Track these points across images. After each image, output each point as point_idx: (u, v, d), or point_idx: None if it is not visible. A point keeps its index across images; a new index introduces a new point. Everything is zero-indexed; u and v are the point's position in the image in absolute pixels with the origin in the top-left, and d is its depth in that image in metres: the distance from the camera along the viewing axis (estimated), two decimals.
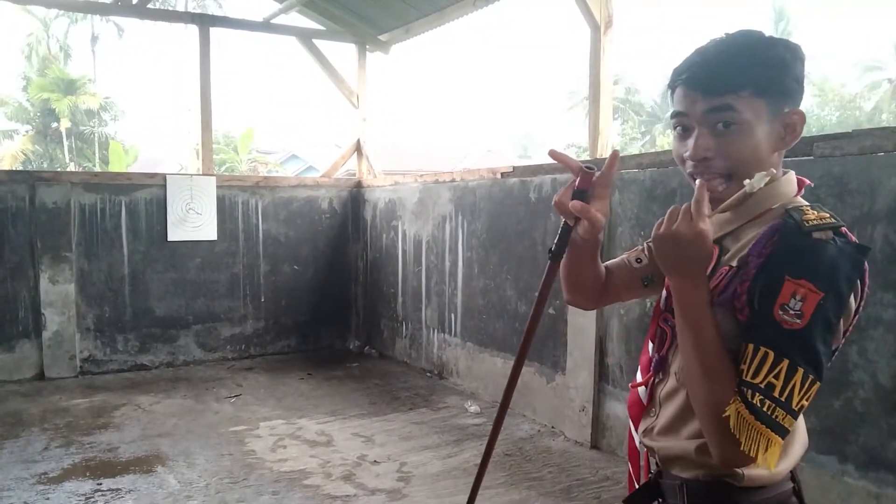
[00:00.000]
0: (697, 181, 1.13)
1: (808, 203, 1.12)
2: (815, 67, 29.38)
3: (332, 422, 4.47)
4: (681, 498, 1.18)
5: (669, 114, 1.21)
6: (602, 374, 3.96)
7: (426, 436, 4.19)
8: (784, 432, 1.01)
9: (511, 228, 4.70)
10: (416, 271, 5.82)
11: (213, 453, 3.88)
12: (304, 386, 5.35)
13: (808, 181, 1.19)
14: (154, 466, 3.68)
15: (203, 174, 6.19)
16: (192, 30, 6.35)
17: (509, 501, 3.29)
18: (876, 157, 2.59)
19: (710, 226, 1.06)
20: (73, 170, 25.25)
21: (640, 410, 1.29)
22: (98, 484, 3.44)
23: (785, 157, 1.17)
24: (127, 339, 5.76)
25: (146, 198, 5.75)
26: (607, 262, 1.41)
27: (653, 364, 1.26)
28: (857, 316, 1.10)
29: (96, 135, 30.05)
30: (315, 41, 6.81)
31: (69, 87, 28.23)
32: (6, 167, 25.01)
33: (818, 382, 1.01)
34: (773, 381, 1.00)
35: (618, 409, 3.83)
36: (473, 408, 4.68)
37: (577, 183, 1.18)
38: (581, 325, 4.03)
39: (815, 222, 1.04)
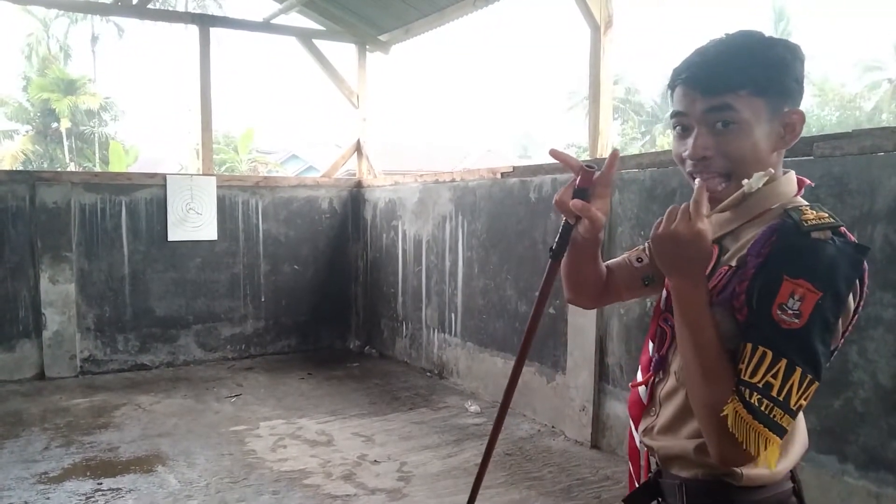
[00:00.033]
0: (697, 181, 1.14)
1: (807, 203, 1.12)
2: (815, 67, 29.42)
3: (333, 421, 4.47)
4: (680, 497, 1.18)
5: (669, 113, 1.21)
6: (602, 373, 3.96)
7: (426, 435, 4.19)
8: (782, 432, 1.01)
9: (511, 228, 4.70)
10: (416, 271, 5.82)
11: (213, 453, 3.88)
12: (305, 386, 5.36)
13: (808, 181, 1.19)
14: (154, 466, 3.69)
15: (203, 174, 6.19)
16: (192, 30, 6.36)
17: (509, 501, 3.29)
18: (876, 157, 2.59)
19: (708, 226, 1.06)
20: (73, 170, 25.25)
21: (640, 410, 1.29)
22: (98, 483, 3.45)
23: (785, 157, 1.18)
24: (127, 339, 5.76)
25: (146, 198, 5.75)
26: (608, 262, 1.41)
27: (653, 363, 1.26)
28: (856, 316, 1.10)
29: (96, 135, 30.06)
30: (315, 41, 6.82)
31: (69, 87, 28.24)
32: (6, 167, 25.02)
33: (816, 382, 1.01)
34: (771, 380, 1.00)
35: (618, 408, 3.84)
36: (473, 408, 4.68)
37: (577, 182, 1.19)
38: (581, 324, 4.04)
39: (813, 222, 1.04)
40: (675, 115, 1.17)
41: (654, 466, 1.27)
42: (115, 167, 23.17)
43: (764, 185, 1.08)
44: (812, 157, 2.77)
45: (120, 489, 3.38)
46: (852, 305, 1.07)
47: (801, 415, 1.17)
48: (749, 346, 1.02)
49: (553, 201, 1.22)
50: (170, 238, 5.81)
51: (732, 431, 1.00)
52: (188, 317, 5.98)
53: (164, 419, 4.48)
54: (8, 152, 27.95)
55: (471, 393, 5.06)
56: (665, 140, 30.73)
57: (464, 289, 5.23)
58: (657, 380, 1.26)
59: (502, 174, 4.82)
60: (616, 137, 31.93)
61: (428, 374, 5.63)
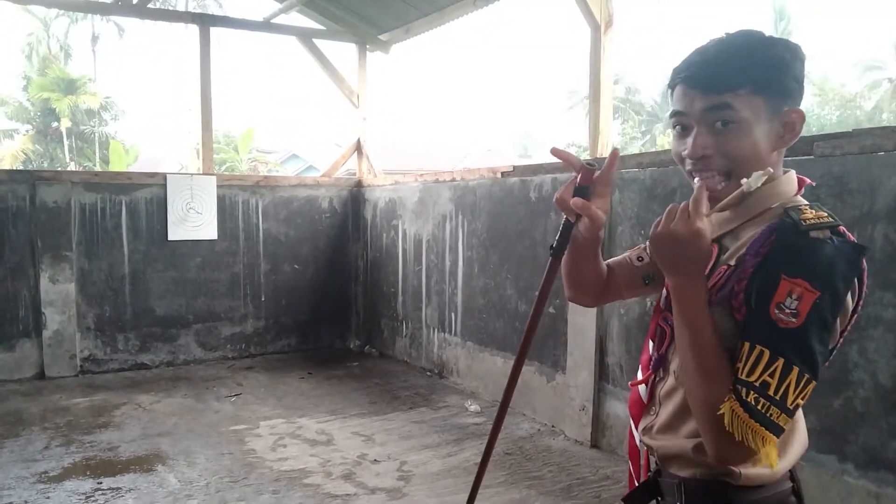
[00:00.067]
0: (696, 180, 1.14)
1: (807, 202, 1.12)
2: (815, 67, 29.38)
3: (333, 421, 4.48)
4: (679, 497, 1.18)
5: (669, 113, 1.21)
6: (602, 373, 3.96)
7: (426, 435, 4.20)
8: (779, 431, 1.01)
9: (511, 228, 4.70)
10: (416, 271, 5.82)
11: (213, 452, 3.88)
12: (305, 385, 5.36)
13: (808, 180, 1.19)
14: (154, 465, 3.69)
15: (203, 174, 6.19)
16: (193, 29, 6.36)
17: (509, 500, 3.30)
18: (876, 156, 2.59)
19: (707, 225, 1.06)
20: (73, 169, 25.30)
21: (640, 409, 1.29)
22: (98, 483, 3.45)
23: (785, 156, 1.18)
24: (127, 339, 5.76)
25: (146, 197, 5.75)
26: (609, 260, 1.41)
27: (652, 362, 1.26)
28: (855, 315, 1.10)
29: (97, 134, 30.05)
30: (315, 41, 6.82)
31: (69, 86, 28.23)
32: (7, 167, 25.02)
33: (814, 381, 1.01)
34: (768, 379, 1.00)
35: (618, 408, 3.84)
36: (473, 407, 4.68)
37: (578, 180, 1.19)
38: (581, 324, 4.04)
39: (812, 221, 1.04)
40: (674, 114, 1.17)
41: (653, 466, 1.27)
42: (115, 167, 23.17)
43: (764, 184, 1.09)
44: (812, 157, 2.77)
45: (120, 488, 3.38)
46: (851, 305, 1.07)
47: (800, 414, 1.17)
48: (747, 345, 1.02)
49: (554, 199, 1.22)
50: (170, 237, 5.81)
51: (729, 430, 1.00)
52: (188, 316, 5.99)
53: (164, 418, 4.48)
54: (8, 152, 27.95)
55: (471, 392, 5.06)
56: (665, 139, 30.71)
57: (464, 288, 5.23)
58: (657, 379, 1.26)
59: (502, 174, 4.82)
60: (616, 137, 31.92)
61: (428, 373, 5.63)
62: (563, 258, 1.31)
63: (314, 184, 6.61)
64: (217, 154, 22.41)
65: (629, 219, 3.76)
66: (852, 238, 1.06)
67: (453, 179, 5.36)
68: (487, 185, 4.95)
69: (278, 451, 3.91)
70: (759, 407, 0.99)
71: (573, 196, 1.18)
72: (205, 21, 6.35)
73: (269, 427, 4.33)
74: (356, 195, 6.70)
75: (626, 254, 1.42)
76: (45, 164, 28.57)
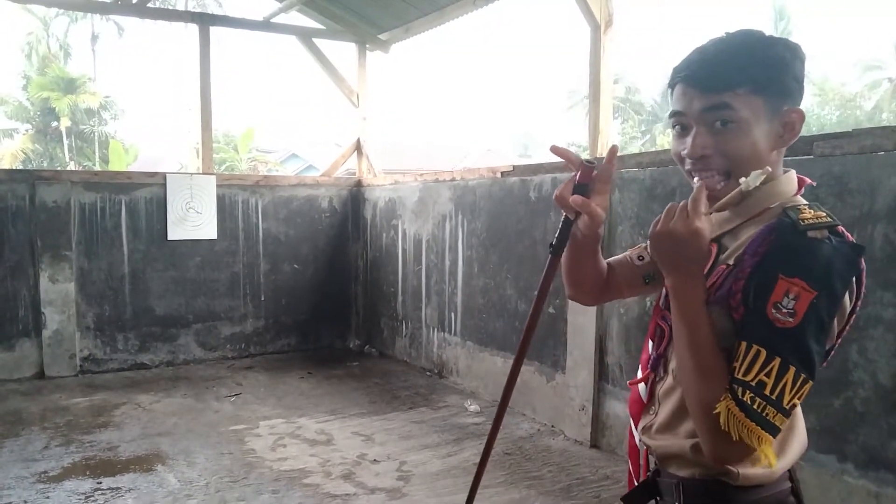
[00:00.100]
0: (696, 179, 1.14)
1: (806, 202, 1.12)
2: (815, 67, 29.39)
3: (332, 421, 4.47)
4: (677, 496, 1.18)
5: (668, 112, 1.21)
6: (602, 373, 3.96)
7: (426, 435, 4.19)
8: (775, 430, 1.00)
9: (511, 227, 4.70)
10: (416, 270, 5.82)
11: (213, 452, 3.88)
12: (304, 385, 5.36)
13: (808, 180, 1.19)
14: (154, 465, 3.69)
15: (203, 173, 6.19)
16: (192, 29, 6.36)
17: (509, 500, 3.29)
18: (876, 156, 2.59)
19: (706, 224, 1.06)
20: (73, 169, 25.30)
21: (640, 408, 1.29)
22: (98, 483, 3.44)
23: (785, 156, 1.17)
24: (127, 338, 5.76)
25: (146, 197, 5.75)
26: (610, 259, 1.42)
27: (651, 361, 1.26)
28: (853, 315, 1.10)
29: (96, 134, 30.05)
30: (315, 40, 6.81)
31: (69, 85, 28.23)
32: (6, 166, 25.02)
33: (810, 381, 1.01)
34: (765, 379, 1.00)
35: (617, 408, 3.84)
36: (473, 407, 4.68)
37: (577, 178, 1.19)
38: (581, 324, 4.03)
39: (810, 221, 1.04)
40: (674, 113, 1.17)
41: (653, 465, 1.27)
42: (114, 166, 23.16)
43: (763, 183, 1.08)
44: (812, 157, 2.76)
45: (119, 488, 3.38)
46: (848, 305, 1.07)
47: (800, 414, 1.17)
48: (743, 344, 1.02)
49: (553, 196, 1.23)
50: (169, 237, 5.81)
51: (725, 429, 1.00)
52: (188, 316, 5.99)
53: (164, 418, 4.48)
54: (8, 151, 27.94)
55: (470, 392, 5.06)
56: (665, 139, 30.71)
57: (464, 288, 5.23)
58: (657, 378, 1.26)
59: (502, 173, 4.82)
60: (616, 136, 31.91)
61: (428, 373, 5.63)
62: (563, 256, 1.31)
63: (314, 183, 6.61)
64: (217, 154, 22.41)
65: (629, 219, 3.76)
66: (851, 238, 1.06)
67: (453, 179, 5.36)
68: (487, 184, 4.95)
69: (278, 451, 3.91)
70: (754, 406, 0.99)
71: (572, 193, 1.18)
72: (204, 20, 6.34)
73: (269, 427, 4.33)
74: (356, 195, 6.70)
75: (627, 252, 1.42)
76: (45, 164, 28.56)
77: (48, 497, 3.27)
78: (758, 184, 1.06)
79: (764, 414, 0.99)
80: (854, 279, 1.06)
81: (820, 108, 29.27)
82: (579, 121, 35.33)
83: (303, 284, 6.46)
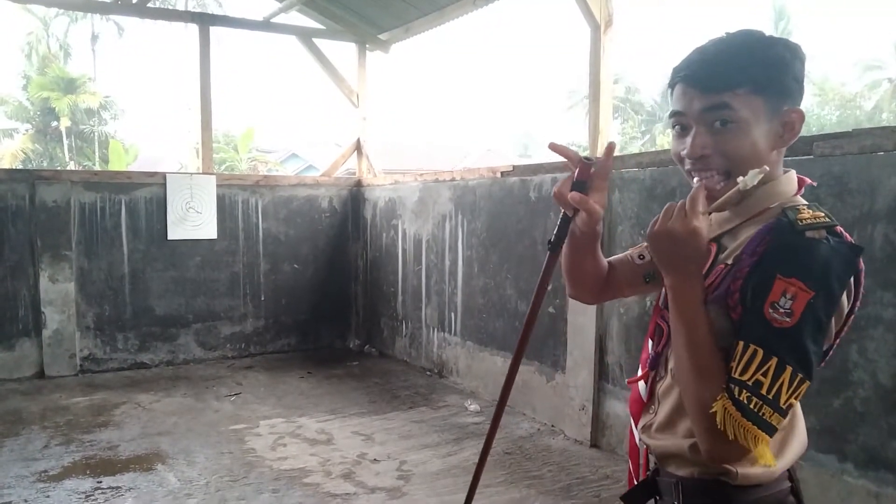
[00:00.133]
0: (696, 179, 1.14)
1: (806, 202, 1.12)
2: (815, 67, 29.39)
3: (332, 420, 4.48)
4: (676, 496, 1.18)
5: (668, 112, 1.21)
6: (602, 372, 3.96)
7: (426, 434, 4.20)
8: (771, 430, 1.01)
9: (511, 227, 4.70)
10: (415, 270, 5.82)
11: (213, 451, 3.88)
12: (304, 384, 5.36)
13: (809, 180, 1.19)
14: (154, 464, 3.69)
15: (203, 173, 6.20)
16: (192, 29, 6.36)
17: (509, 500, 3.30)
18: (876, 156, 2.59)
19: (704, 223, 1.06)
20: (72, 168, 25.29)
21: (640, 407, 1.29)
22: (98, 482, 3.45)
23: (785, 156, 1.18)
24: (127, 338, 5.76)
25: (146, 196, 5.75)
26: (610, 258, 1.42)
27: (650, 360, 1.26)
28: (852, 316, 1.10)
29: (96, 134, 30.04)
30: (315, 40, 6.82)
31: (69, 85, 28.23)
32: (6, 166, 25.01)
33: (807, 381, 1.01)
34: (761, 378, 1.00)
35: (617, 407, 3.84)
36: (473, 406, 4.68)
37: (575, 175, 1.19)
38: (581, 323, 4.04)
39: (808, 221, 1.04)
40: (673, 113, 1.17)
41: (653, 464, 1.27)
42: (114, 166, 23.15)
43: (762, 184, 1.08)
44: (812, 157, 2.77)
45: (119, 487, 3.39)
46: (846, 305, 1.07)
47: (800, 414, 1.17)
48: (741, 343, 1.02)
49: (552, 193, 1.23)
50: (169, 237, 5.81)
51: (721, 428, 1.00)
52: (188, 315, 5.99)
53: (164, 418, 4.48)
54: (8, 151, 27.93)
55: (470, 392, 5.06)
56: (665, 139, 30.71)
57: (464, 288, 5.23)
58: (656, 377, 1.26)
59: (502, 173, 4.82)
60: (616, 136, 31.86)
61: (428, 373, 5.63)
62: (563, 254, 1.32)
63: (314, 183, 6.61)
64: (217, 153, 22.41)
65: (629, 218, 3.76)
66: (850, 238, 1.06)
67: (453, 179, 5.36)
68: (487, 184, 4.95)
69: (278, 451, 3.91)
70: (751, 406, 0.99)
71: (571, 190, 1.18)
72: (204, 20, 6.34)
73: (269, 426, 4.34)
74: (356, 195, 6.70)
75: (628, 251, 1.43)
76: (45, 164, 28.56)
77: (48, 496, 3.28)
78: (755, 183, 1.06)
79: (760, 413, 0.99)
80: (852, 279, 1.06)
81: (820, 108, 29.28)
82: (579, 121, 35.35)
83: (303, 284, 6.46)
